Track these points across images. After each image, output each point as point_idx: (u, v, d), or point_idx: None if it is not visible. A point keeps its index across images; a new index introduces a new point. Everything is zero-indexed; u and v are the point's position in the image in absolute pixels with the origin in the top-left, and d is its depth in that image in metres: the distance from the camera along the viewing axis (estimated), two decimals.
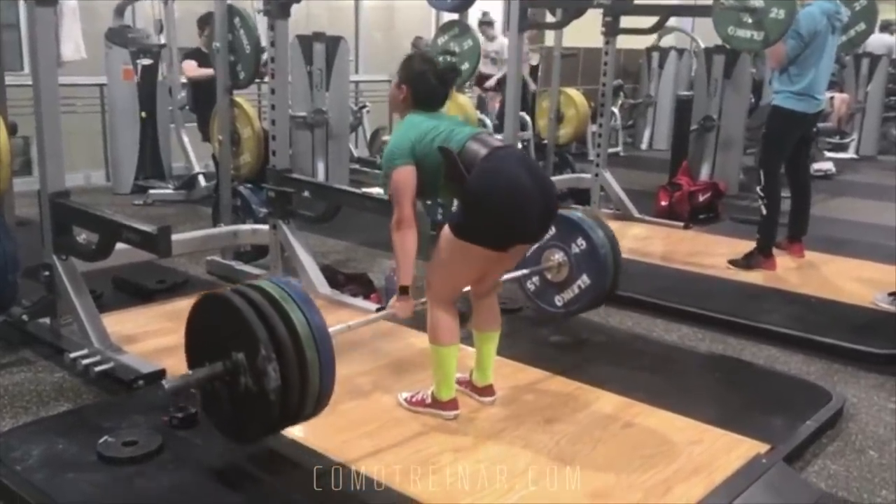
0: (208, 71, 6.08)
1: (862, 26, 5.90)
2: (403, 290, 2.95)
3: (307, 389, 2.48)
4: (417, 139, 2.89)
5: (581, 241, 3.62)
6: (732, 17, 4.89)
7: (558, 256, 3.68)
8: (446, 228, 2.89)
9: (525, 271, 3.72)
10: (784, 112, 5.05)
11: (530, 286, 3.80)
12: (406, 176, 2.88)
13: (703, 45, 8.73)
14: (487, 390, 3.21)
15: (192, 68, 6.60)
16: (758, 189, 5.22)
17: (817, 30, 4.87)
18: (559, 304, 3.75)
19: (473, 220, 2.82)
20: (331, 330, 2.58)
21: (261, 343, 2.41)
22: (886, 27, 13.09)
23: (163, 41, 7.39)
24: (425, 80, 3.00)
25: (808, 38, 4.85)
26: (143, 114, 7.50)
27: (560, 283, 3.72)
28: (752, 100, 8.31)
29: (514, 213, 2.78)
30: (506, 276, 3.55)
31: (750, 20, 4.82)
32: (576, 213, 3.76)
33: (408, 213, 2.87)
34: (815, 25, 4.86)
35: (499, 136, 3.31)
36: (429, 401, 3.08)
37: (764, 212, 5.21)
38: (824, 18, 4.89)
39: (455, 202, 2.96)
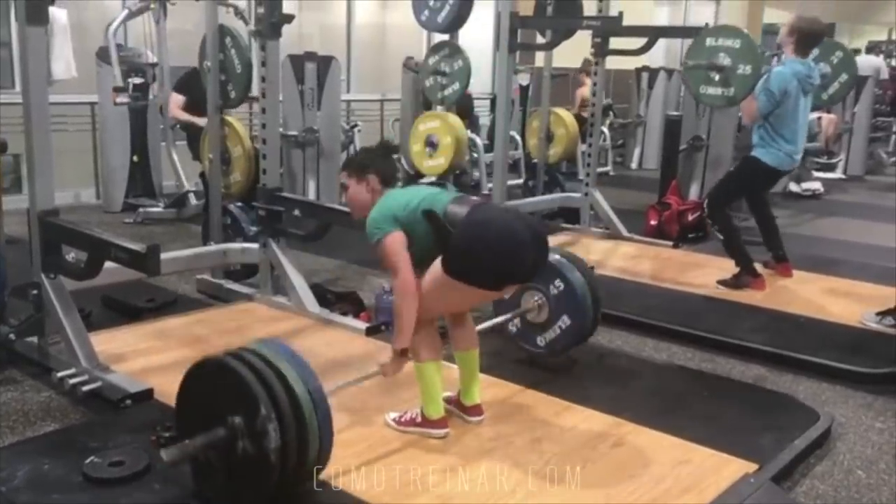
0: (194, 119, 6.12)
1: (844, 77, 5.98)
2: (400, 353, 2.96)
3: (306, 452, 2.45)
4: (399, 208, 2.91)
5: (559, 283, 3.66)
6: (701, 75, 4.98)
7: (537, 298, 3.71)
8: (438, 263, 2.88)
9: (507, 316, 3.75)
10: (762, 165, 5.12)
11: (512, 328, 3.83)
12: (397, 240, 2.87)
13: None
14: (475, 409, 3.21)
15: (176, 106, 6.47)
16: (708, 220, 5.35)
17: (788, 90, 4.93)
18: (541, 344, 3.77)
19: (466, 266, 2.85)
20: (326, 390, 2.58)
21: (261, 402, 2.38)
22: (873, 48, 13.25)
23: (151, 58, 7.41)
24: (388, 160, 3.13)
25: (780, 97, 4.92)
26: (136, 157, 7.51)
27: (541, 324, 3.74)
28: (740, 115, 8.36)
29: (507, 259, 2.84)
30: (488, 323, 3.60)
31: (717, 78, 4.92)
32: (553, 254, 3.78)
33: (408, 276, 2.86)
34: (786, 85, 4.92)
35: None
36: (418, 420, 3.07)
37: (721, 237, 5.33)
38: (794, 80, 4.94)
39: None
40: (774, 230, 5.58)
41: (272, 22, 4.40)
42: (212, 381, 2.55)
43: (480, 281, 2.87)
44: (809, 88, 5.07)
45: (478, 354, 3.22)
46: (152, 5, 7.12)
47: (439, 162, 6.03)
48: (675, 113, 8.59)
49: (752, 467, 2.91)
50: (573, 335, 3.70)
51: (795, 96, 4.98)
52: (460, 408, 3.22)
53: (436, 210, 2.87)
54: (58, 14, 6.72)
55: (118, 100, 6.86)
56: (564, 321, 3.68)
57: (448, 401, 3.19)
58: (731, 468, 2.89)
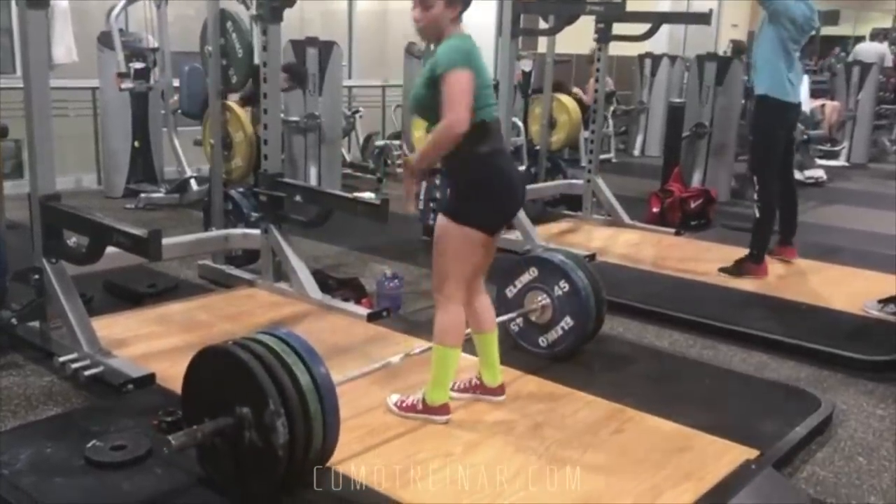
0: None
1: None
2: (414, 173, 3.02)
3: (314, 446, 2.47)
4: (477, 62, 2.86)
5: (563, 284, 3.65)
6: None
7: (542, 298, 3.71)
8: (444, 222, 2.92)
9: (512, 314, 3.75)
10: (771, 102, 5.06)
11: (514, 327, 3.81)
12: (467, 80, 2.77)
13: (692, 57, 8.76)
14: (500, 389, 3.25)
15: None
16: (754, 196, 5.24)
17: (795, 16, 4.92)
18: (543, 344, 3.76)
19: (475, 204, 2.90)
20: (336, 380, 2.59)
21: (270, 398, 2.39)
22: (877, 35, 13.19)
23: (152, 42, 7.38)
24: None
25: (780, 5, 4.89)
26: (137, 143, 7.49)
27: (544, 325, 3.73)
28: (744, 101, 8.35)
29: (506, 201, 2.99)
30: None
31: None
32: (557, 255, 3.77)
33: (464, 116, 2.74)
34: (792, 7, 4.90)
35: None
36: (420, 406, 3.07)
37: (758, 214, 5.23)
38: (799, 13, 4.94)
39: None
40: (793, 208, 5.52)
41: (273, 6, 4.38)
42: (220, 369, 2.55)
43: (482, 221, 2.92)
44: (809, 30, 5.07)
45: (497, 336, 3.24)
46: None
47: None
48: (678, 100, 8.58)
49: (753, 454, 2.90)
50: (575, 336, 3.69)
51: (798, 32, 4.96)
52: (484, 390, 3.24)
53: (487, 116, 2.89)
54: None
55: (123, 85, 6.84)
56: (567, 322, 3.68)
57: (465, 389, 3.22)
58: (732, 454, 2.89)
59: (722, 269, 5.28)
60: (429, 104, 2.87)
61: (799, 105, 5.28)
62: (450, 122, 2.76)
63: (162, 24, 7.24)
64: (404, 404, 3.11)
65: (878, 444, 3.22)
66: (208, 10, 4.75)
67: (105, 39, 7.09)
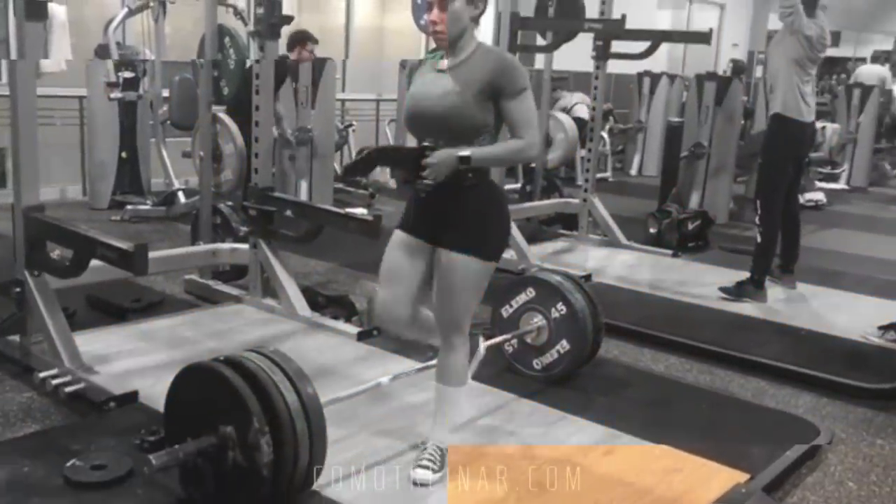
0: None
1: None
2: (465, 160, 2.57)
3: (299, 466, 2.42)
4: None
5: (561, 306, 3.59)
6: None
7: (538, 320, 3.64)
8: (467, 260, 2.66)
9: (506, 336, 3.68)
10: (787, 119, 5.00)
11: (508, 348, 3.74)
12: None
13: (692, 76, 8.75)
14: None
15: None
16: (756, 219, 5.17)
17: (809, 33, 4.92)
18: (538, 367, 3.69)
19: (501, 238, 2.80)
20: (323, 400, 2.54)
21: (254, 416, 2.34)
22: (878, 58, 13.19)
23: (149, 56, 7.34)
24: None
25: (798, 18, 4.88)
26: (124, 154, 7.42)
27: (539, 347, 3.67)
28: (744, 122, 8.31)
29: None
30: (488, 342, 3.44)
31: None
32: (555, 276, 3.70)
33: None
34: (808, 29, 4.92)
35: None
36: (445, 450, 2.85)
37: (759, 239, 5.17)
38: (813, 32, 4.94)
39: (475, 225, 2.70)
40: (796, 235, 5.44)
41: (271, 23, 4.34)
42: (204, 387, 2.50)
43: (502, 253, 2.81)
44: (821, 49, 5.06)
45: None
46: (151, 3, 7.06)
47: None
48: (677, 119, 8.54)
49: (743, 477, 2.88)
50: (571, 360, 3.62)
51: (811, 52, 4.97)
52: None
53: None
54: (57, 10, 6.66)
55: (112, 95, 6.79)
56: (563, 346, 3.61)
57: None
58: (722, 477, 2.87)
59: (722, 289, 5.21)
60: (470, 114, 2.60)
61: (813, 125, 5.25)
62: (533, 144, 2.65)
63: (159, 37, 7.20)
64: (437, 462, 2.81)
65: (869, 470, 3.17)
66: (206, 25, 4.72)
67: (102, 52, 7.06)
